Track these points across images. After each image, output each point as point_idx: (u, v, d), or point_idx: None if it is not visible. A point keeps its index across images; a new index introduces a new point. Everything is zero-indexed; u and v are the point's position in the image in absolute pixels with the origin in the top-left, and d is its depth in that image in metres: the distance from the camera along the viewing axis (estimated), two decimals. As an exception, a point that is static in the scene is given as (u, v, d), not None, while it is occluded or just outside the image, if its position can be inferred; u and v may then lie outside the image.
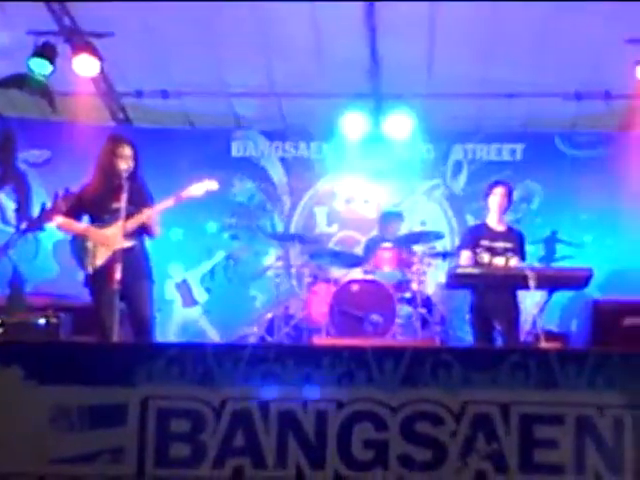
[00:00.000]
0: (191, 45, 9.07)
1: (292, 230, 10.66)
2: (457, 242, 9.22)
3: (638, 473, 4.09)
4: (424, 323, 8.70)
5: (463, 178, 10.73)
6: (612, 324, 8.57)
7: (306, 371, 4.33)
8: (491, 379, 4.25)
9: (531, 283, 6.87)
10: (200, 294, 10.53)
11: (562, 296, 9.25)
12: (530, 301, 7.67)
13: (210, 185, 6.75)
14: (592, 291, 9.05)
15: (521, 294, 7.54)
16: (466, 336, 8.78)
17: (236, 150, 10.80)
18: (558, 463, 4.15)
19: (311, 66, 9.36)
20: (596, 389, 4.19)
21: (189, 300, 10.49)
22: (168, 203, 6.61)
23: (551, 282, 7.14)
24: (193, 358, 4.37)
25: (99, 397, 4.33)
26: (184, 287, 10.49)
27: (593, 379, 4.20)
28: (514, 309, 7.49)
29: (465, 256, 7.61)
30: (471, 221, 9.94)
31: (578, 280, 7.29)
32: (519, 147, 10.67)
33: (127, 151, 6.58)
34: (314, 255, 9.29)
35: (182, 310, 10.48)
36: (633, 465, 4.11)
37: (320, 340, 8.24)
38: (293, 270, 10.02)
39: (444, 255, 9.09)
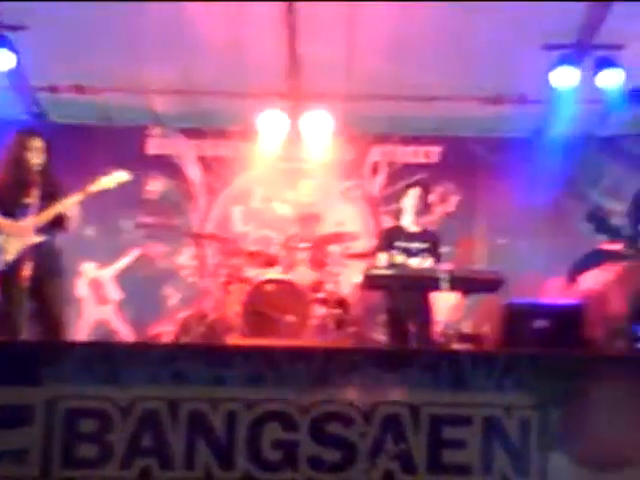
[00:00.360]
0: (108, 40, 8.92)
1: (208, 229, 10.58)
2: (373, 243, 9.23)
3: (543, 474, 4.14)
4: (339, 324, 8.70)
5: (380, 179, 10.77)
6: (523, 326, 8.67)
7: (217, 371, 4.29)
8: (401, 380, 4.26)
9: (444, 285, 6.92)
10: (113, 292, 10.39)
11: (474, 298, 9.33)
12: (444, 303, 7.73)
13: (121, 177, 6.67)
14: (504, 293, 9.14)
15: (435, 295, 7.60)
16: (380, 337, 8.81)
17: (152, 147, 10.70)
18: (466, 464, 4.18)
19: (230, 64, 9.28)
20: (504, 390, 4.23)
21: (101, 298, 10.35)
22: (79, 196, 6.50)
23: (464, 284, 7.20)
24: (101, 357, 4.31)
25: (4, 397, 4.24)
26: (96, 285, 10.35)
27: (502, 381, 4.24)
28: (427, 310, 7.55)
29: (380, 257, 7.65)
30: (387, 222, 9.97)
31: (491, 283, 7.37)
32: (436, 150, 10.76)
33: (37, 144, 6.47)
34: (229, 254, 9.23)
35: (94, 308, 10.33)
36: (539, 466, 4.16)
37: (233, 340, 8.19)
38: (208, 269, 9.94)
39: (360, 256, 9.11)
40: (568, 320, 8.87)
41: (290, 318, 8.34)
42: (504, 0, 7.96)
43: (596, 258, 10.13)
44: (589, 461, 4.18)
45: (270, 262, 9.09)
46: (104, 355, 4.32)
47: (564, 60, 8.76)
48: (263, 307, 8.38)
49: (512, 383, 4.24)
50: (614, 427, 4.21)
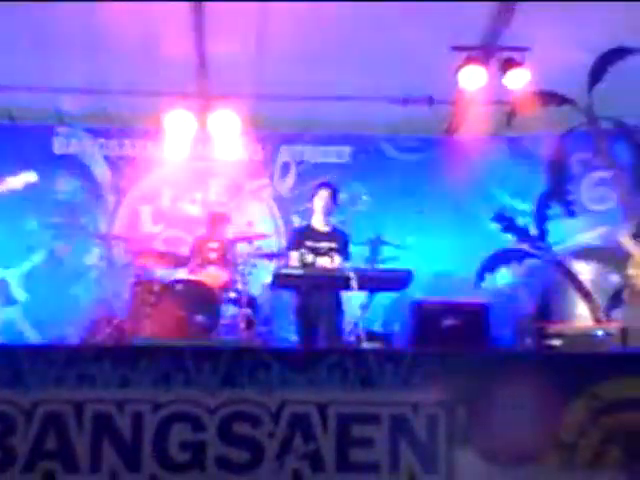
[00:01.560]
0: (14, 38, 8.75)
1: (116, 229, 10.44)
2: (283, 243, 9.24)
3: (451, 470, 4.17)
4: (249, 324, 8.66)
5: (290, 179, 10.77)
6: (432, 325, 8.75)
7: (123, 372, 4.24)
8: (309, 379, 4.25)
9: (353, 284, 6.95)
10: (19, 293, 10.19)
11: (386, 297, 9.40)
12: (354, 302, 7.76)
13: (28, 177, 6.55)
14: (415, 292, 9.21)
15: (346, 295, 7.62)
16: (291, 336, 8.79)
17: (59, 147, 10.52)
18: (374, 462, 4.20)
19: (137, 64, 9.17)
20: (412, 388, 4.25)
21: (7, 300, 10.14)
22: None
23: (372, 283, 7.24)
24: (3, 359, 4.21)
25: None
26: (2, 286, 10.13)
27: (409, 379, 4.26)
28: (337, 310, 7.57)
29: (290, 257, 7.64)
30: (298, 222, 9.99)
31: (398, 281, 7.42)
32: (346, 150, 10.79)
33: None
34: (138, 255, 9.12)
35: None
36: (446, 462, 4.19)
37: (142, 341, 8.09)
38: (116, 270, 9.82)
39: (270, 256, 9.08)
40: (476, 318, 8.98)
41: (200, 318, 8.27)
42: (412, 0, 8.00)
43: (503, 258, 10.29)
44: (496, 457, 4.23)
45: (179, 262, 9.01)
46: (7, 357, 4.22)
47: (472, 61, 8.86)
48: (172, 307, 8.30)
49: (419, 381, 4.26)
50: (520, 423, 4.26)
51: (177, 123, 10.01)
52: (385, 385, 4.25)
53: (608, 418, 4.27)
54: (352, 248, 8.14)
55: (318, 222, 7.77)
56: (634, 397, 4.32)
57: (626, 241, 6.83)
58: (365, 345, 7.47)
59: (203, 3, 8.27)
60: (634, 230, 6.78)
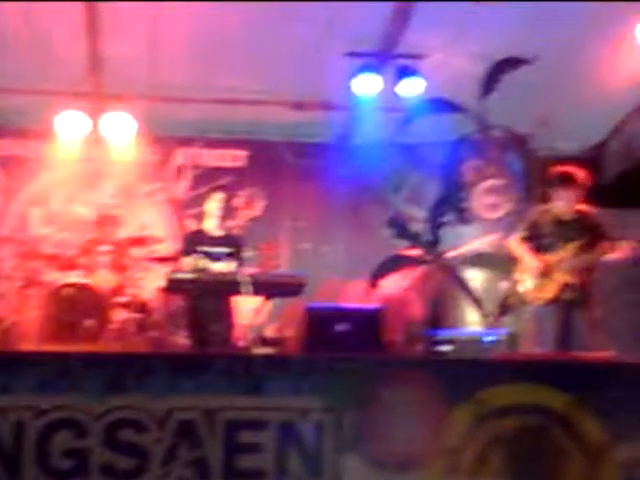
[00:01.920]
0: None
1: (4, 231, 10.19)
2: (177, 247, 9.13)
3: (337, 476, 4.16)
4: (140, 328, 8.56)
5: (185, 183, 10.67)
6: (325, 330, 8.77)
7: (3, 379, 4.12)
8: (197, 385, 4.20)
9: (246, 289, 6.92)
10: None
11: (280, 302, 9.38)
12: (247, 306, 7.73)
13: None
14: (309, 297, 9.22)
15: (238, 299, 7.59)
16: (183, 341, 8.71)
17: (-53, 146, 10.26)
18: (261, 468, 4.16)
19: (31, 62, 8.98)
20: (300, 394, 4.23)
21: None
22: None
23: (267, 288, 7.22)
24: None
25: None
26: None
27: (298, 384, 4.24)
28: (229, 314, 7.53)
29: (184, 261, 7.58)
30: (192, 226, 9.89)
31: (292, 287, 7.42)
32: (242, 154, 10.75)
33: None
34: (26, 257, 8.93)
35: None
36: (333, 468, 4.18)
37: (30, 346, 7.93)
38: (3, 273, 9.58)
39: (163, 260, 8.99)
40: (368, 324, 9.02)
41: (89, 323, 8.14)
42: (306, 0, 7.99)
43: (396, 263, 10.37)
44: (383, 462, 4.23)
45: (69, 265, 8.85)
46: None
47: (366, 68, 8.92)
48: (61, 312, 8.15)
49: (308, 387, 4.24)
50: (407, 429, 4.28)
51: (69, 124, 9.83)
52: (274, 391, 4.22)
53: (493, 424, 4.32)
54: (247, 253, 8.11)
55: (212, 226, 7.72)
56: (519, 403, 4.38)
57: (515, 245, 6.91)
58: (257, 350, 7.46)
59: (96, 3, 8.13)
60: (524, 234, 6.86)
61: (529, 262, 6.72)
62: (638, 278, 8.86)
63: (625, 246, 6.48)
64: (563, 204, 6.76)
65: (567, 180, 6.73)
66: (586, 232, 6.67)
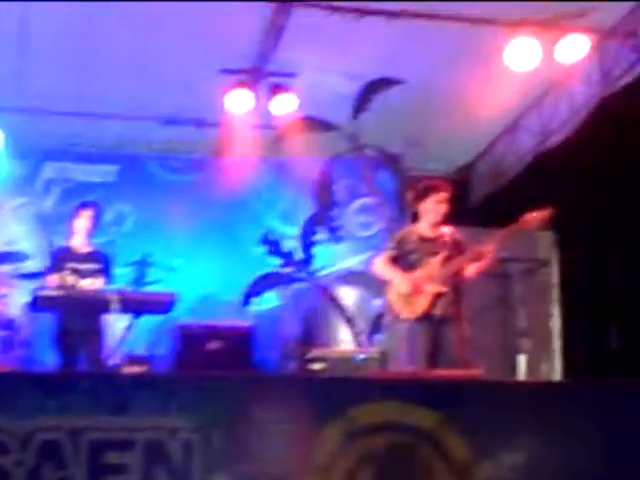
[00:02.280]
0: None
1: None
2: (44, 263, 8.91)
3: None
4: (6, 346, 8.32)
5: (53, 197, 10.44)
6: (197, 348, 8.71)
7: None
8: (62, 405, 4.09)
9: (114, 307, 6.81)
10: None
11: (151, 320, 9.26)
12: (118, 325, 7.60)
13: None
14: (182, 315, 9.15)
15: (107, 317, 7.45)
16: (50, 360, 8.50)
17: None
18: (127, 488, 4.08)
19: None
20: (168, 413, 4.17)
21: None
22: None
23: (135, 306, 7.12)
24: None
25: None
26: None
27: (166, 404, 4.18)
28: (98, 333, 7.39)
29: (51, 278, 7.41)
30: (60, 242, 9.67)
31: (162, 304, 7.33)
32: (112, 169, 10.58)
33: None
34: None
35: None
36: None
37: None
38: None
39: (30, 276, 8.76)
40: (241, 342, 9.02)
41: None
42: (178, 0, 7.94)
43: (269, 281, 10.37)
44: (252, 481, 4.20)
45: None
46: None
47: (239, 84, 8.89)
48: None
49: (176, 406, 4.18)
50: (277, 447, 4.26)
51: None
52: (141, 410, 4.14)
53: (363, 441, 4.33)
54: (117, 270, 7.98)
55: (80, 243, 7.58)
56: (388, 421, 4.40)
57: (380, 266, 6.98)
58: (127, 369, 7.33)
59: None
60: (391, 253, 6.93)
61: (398, 281, 6.80)
62: (507, 296, 9.05)
63: (485, 258, 6.66)
64: (427, 220, 6.88)
65: (432, 190, 6.87)
66: (448, 247, 6.81)
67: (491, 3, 7.70)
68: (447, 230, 6.93)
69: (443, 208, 6.89)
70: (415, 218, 7.18)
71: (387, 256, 6.94)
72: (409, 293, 6.72)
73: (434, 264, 6.77)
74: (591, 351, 10.72)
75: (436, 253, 6.80)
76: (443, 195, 6.91)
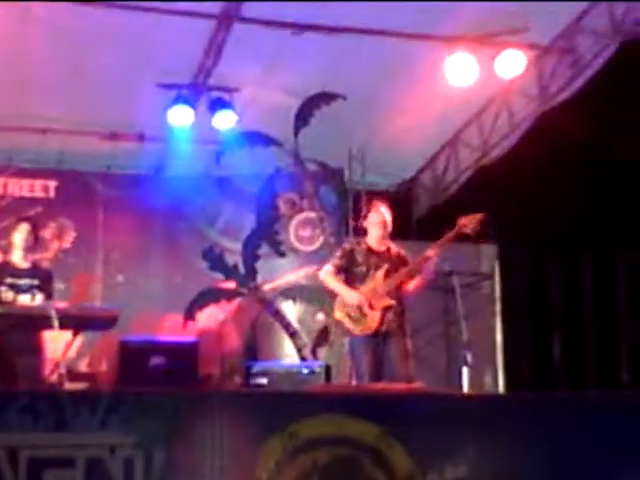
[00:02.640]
0: None
1: None
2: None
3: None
4: None
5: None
6: (139, 364, 8.64)
7: None
8: (0, 422, 4.03)
9: (54, 323, 6.71)
10: None
11: (93, 336, 9.19)
12: (57, 341, 7.50)
13: None
14: (123, 331, 9.06)
15: (47, 334, 7.35)
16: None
17: None
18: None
19: None
20: (109, 430, 4.12)
21: None
22: None
23: (75, 322, 7.01)
24: None
25: None
26: None
27: (106, 420, 4.13)
28: (37, 349, 7.28)
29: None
30: (-2, 258, 9.57)
31: (103, 320, 7.24)
32: (52, 184, 10.47)
33: None
34: None
35: None
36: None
37: None
38: None
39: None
40: (184, 357, 8.97)
41: None
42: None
43: (212, 296, 10.34)
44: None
45: None
46: None
47: (180, 99, 8.87)
48: None
49: (117, 422, 4.13)
50: (219, 463, 4.23)
51: None
52: (81, 427, 4.09)
53: (305, 455, 4.32)
54: (58, 285, 7.90)
55: (18, 258, 7.47)
56: (331, 435, 4.40)
57: (327, 277, 6.99)
58: (68, 386, 7.24)
59: None
60: (339, 264, 6.94)
61: (345, 294, 6.81)
62: (451, 309, 9.12)
63: (425, 270, 6.72)
64: (373, 234, 6.92)
65: (373, 206, 6.94)
66: (392, 261, 6.85)
67: (430, 17, 7.79)
68: (392, 245, 6.97)
69: (387, 226, 6.94)
70: (357, 233, 7.22)
71: (334, 266, 6.96)
72: (359, 308, 6.73)
73: (378, 278, 6.79)
74: (534, 363, 10.84)
75: (381, 267, 6.84)
76: (383, 211, 6.96)
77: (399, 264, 6.88)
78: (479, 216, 6.84)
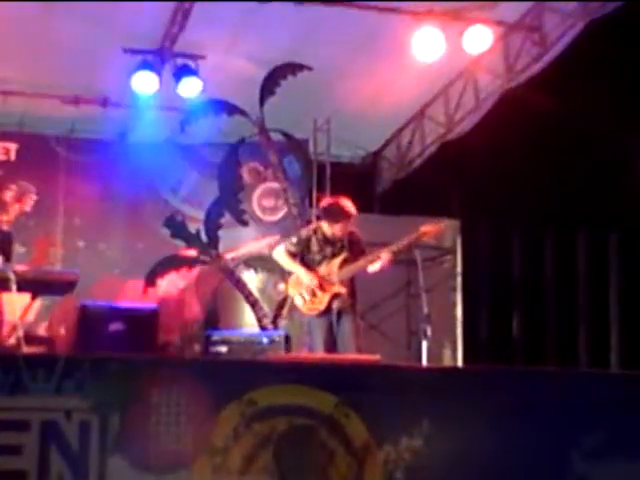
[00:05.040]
0: None
1: None
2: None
3: (102, 478, 4.08)
4: None
5: (-48, 176, 10.21)
6: (98, 329, 8.61)
7: None
8: (-44, 386, 4.01)
9: (12, 285, 6.68)
10: None
11: (52, 300, 9.15)
12: (15, 304, 7.46)
13: None
14: (83, 296, 9.04)
15: (7, 296, 7.31)
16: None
17: None
18: (21, 470, 4.02)
19: None
20: (64, 394, 4.11)
21: None
22: None
23: (34, 285, 6.99)
24: None
25: None
26: None
27: (62, 384, 4.12)
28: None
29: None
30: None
31: (62, 284, 7.22)
32: (13, 147, 10.37)
33: None
34: None
35: None
36: (98, 470, 4.09)
37: None
38: None
39: None
40: (143, 324, 8.94)
41: None
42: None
43: (173, 263, 10.30)
44: (149, 464, 4.17)
45: None
46: None
47: (145, 65, 8.80)
48: None
49: (73, 387, 4.12)
50: (175, 430, 4.24)
51: None
52: (36, 391, 4.08)
53: (261, 424, 4.33)
54: (18, 248, 7.84)
55: (-23, 221, 7.42)
56: (287, 404, 4.41)
57: (280, 256, 7.06)
58: (25, 349, 7.21)
59: None
60: (293, 249, 7.00)
61: (300, 274, 6.90)
62: (412, 282, 9.17)
63: (384, 258, 6.74)
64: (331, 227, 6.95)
65: (335, 213, 6.91)
66: (349, 248, 6.92)
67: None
68: (350, 232, 6.99)
69: (346, 223, 6.94)
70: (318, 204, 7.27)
71: (287, 251, 7.02)
72: (311, 289, 6.84)
73: (334, 265, 6.88)
74: (493, 338, 10.92)
75: (336, 254, 6.91)
76: (347, 214, 6.95)
77: (356, 251, 6.94)
78: (440, 226, 6.95)
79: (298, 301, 6.95)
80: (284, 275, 7.93)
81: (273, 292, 10.50)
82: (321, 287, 6.84)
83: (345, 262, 6.90)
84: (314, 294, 6.86)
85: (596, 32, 8.01)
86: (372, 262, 6.81)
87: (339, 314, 6.88)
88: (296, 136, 10.28)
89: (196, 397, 4.26)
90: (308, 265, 6.95)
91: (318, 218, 7.41)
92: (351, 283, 6.95)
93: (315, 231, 7.08)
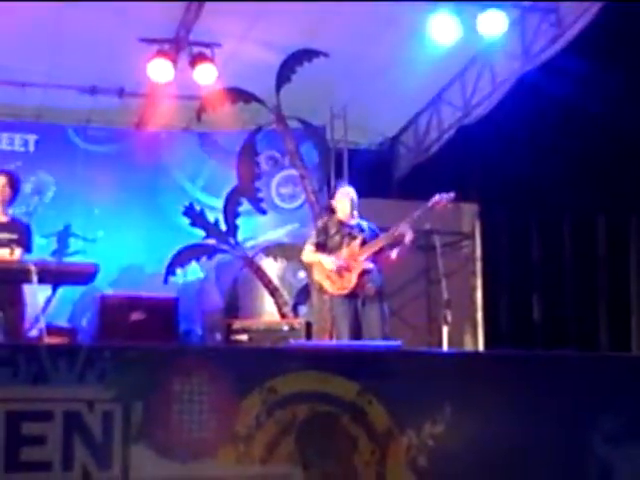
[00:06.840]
0: None
1: None
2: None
3: (126, 467, 4.09)
4: None
5: (-29, 166, 10.24)
6: (119, 319, 8.64)
7: None
8: (-21, 377, 4.02)
9: (33, 277, 6.69)
10: None
11: (73, 291, 9.18)
12: (38, 295, 7.49)
13: None
14: (104, 286, 9.08)
15: (27, 288, 7.34)
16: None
17: None
18: (45, 460, 4.03)
19: None
20: (86, 384, 4.12)
21: None
22: None
23: (54, 276, 6.98)
24: None
25: None
26: None
27: (84, 374, 4.12)
28: (17, 303, 7.27)
29: (-34, 248, 7.26)
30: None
31: (83, 275, 7.22)
32: (31, 138, 10.41)
33: None
34: None
35: None
36: (122, 459, 4.10)
37: None
38: None
39: None
40: (164, 313, 8.97)
41: None
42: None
43: (193, 252, 10.32)
44: (173, 452, 4.18)
45: None
46: None
47: (161, 54, 8.80)
48: None
49: (95, 377, 4.12)
50: (198, 418, 4.24)
51: None
52: (59, 381, 4.09)
53: (283, 411, 4.33)
54: (38, 240, 7.87)
55: (-3, 212, 7.43)
56: (309, 391, 4.41)
57: (309, 255, 7.15)
58: (47, 340, 7.23)
59: None
60: (316, 241, 7.09)
61: (324, 260, 6.95)
62: (431, 268, 9.15)
63: (402, 229, 6.80)
64: (343, 212, 7.10)
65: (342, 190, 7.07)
66: (365, 232, 7.07)
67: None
68: (362, 221, 7.13)
69: (351, 200, 7.09)
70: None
71: (312, 244, 7.12)
72: (337, 271, 6.87)
73: (355, 245, 6.93)
74: (514, 323, 10.88)
75: (356, 237, 6.98)
76: (349, 189, 7.15)
77: (372, 235, 7.05)
78: (450, 196, 6.97)
79: (326, 285, 6.98)
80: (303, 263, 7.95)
81: (293, 280, 10.50)
82: (347, 267, 6.88)
83: (364, 243, 6.98)
84: (340, 274, 6.90)
85: (611, 15, 7.93)
86: (391, 237, 6.85)
87: (365, 299, 6.91)
88: (313, 123, 10.27)
89: (217, 385, 4.26)
90: (332, 250, 7.01)
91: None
92: (378, 268, 7.00)
93: (329, 218, 7.19)
